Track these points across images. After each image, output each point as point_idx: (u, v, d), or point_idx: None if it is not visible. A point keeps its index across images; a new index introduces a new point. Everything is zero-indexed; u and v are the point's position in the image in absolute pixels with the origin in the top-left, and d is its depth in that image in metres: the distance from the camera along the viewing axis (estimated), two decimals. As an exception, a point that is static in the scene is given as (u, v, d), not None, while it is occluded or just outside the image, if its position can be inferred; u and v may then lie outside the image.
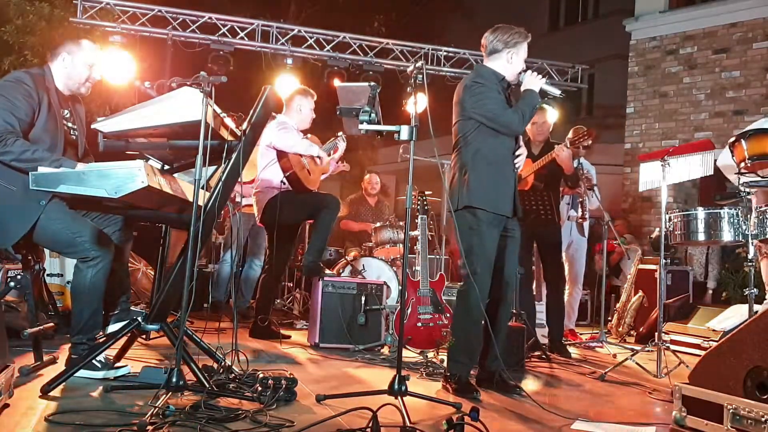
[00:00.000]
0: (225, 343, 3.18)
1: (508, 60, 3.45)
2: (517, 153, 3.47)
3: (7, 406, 2.37)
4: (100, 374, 2.93)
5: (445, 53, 8.53)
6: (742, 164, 3.69)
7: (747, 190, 3.78)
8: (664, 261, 4.21)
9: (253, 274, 5.90)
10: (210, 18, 7.81)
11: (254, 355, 3.93)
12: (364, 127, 2.94)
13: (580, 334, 5.86)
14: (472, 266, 3.29)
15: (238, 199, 5.19)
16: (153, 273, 4.44)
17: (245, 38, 7.88)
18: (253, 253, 5.95)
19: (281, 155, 4.64)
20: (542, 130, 4.96)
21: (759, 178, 3.73)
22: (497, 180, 3.37)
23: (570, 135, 4.82)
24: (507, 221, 3.43)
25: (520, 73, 3.45)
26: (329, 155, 4.94)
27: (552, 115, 5.28)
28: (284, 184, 4.61)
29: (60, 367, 2.95)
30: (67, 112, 3.15)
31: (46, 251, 4.02)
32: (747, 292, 3.77)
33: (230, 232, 6.22)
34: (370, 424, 2.28)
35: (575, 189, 5.23)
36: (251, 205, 5.04)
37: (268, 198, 4.66)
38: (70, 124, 3.15)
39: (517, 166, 3.50)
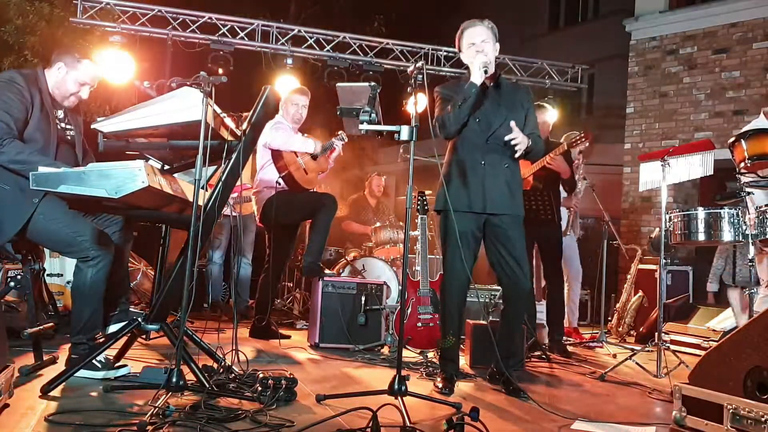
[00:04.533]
0: (225, 343, 3.19)
1: (463, 55, 3.44)
2: (507, 138, 3.27)
3: (7, 406, 2.37)
4: (100, 374, 2.93)
5: (445, 53, 8.52)
6: (742, 164, 3.68)
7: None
8: (663, 261, 4.21)
9: (244, 273, 5.89)
10: (210, 18, 7.81)
11: (254, 355, 3.93)
12: (364, 127, 2.93)
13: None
14: (445, 263, 3.48)
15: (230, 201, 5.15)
16: (153, 273, 4.44)
17: (245, 38, 7.87)
18: (240, 252, 5.93)
19: (276, 157, 4.65)
20: (542, 130, 4.93)
21: (759, 178, 3.73)
22: (460, 178, 3.39)
23: (562, 139, 4.83)
24: (489, 218, 3.40)
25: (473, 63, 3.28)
26: (327, 155, 4.95)
27: (551, 114, 5.26)
28: (279, 184, 4.62)
29: (60, 367, 2.95)
30: (60, 113, 3.14)
31: (46, 251, 4.03)
32: (747, 292, 3.77)
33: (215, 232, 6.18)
34: (370, 424, 2.28)
35: (572, 195, 5.23)
36: (239, 204, 5.06)
37: (266, 198, 4.67)
38: (64, 125, 3.15)
39: (516, 149, 3.27)
